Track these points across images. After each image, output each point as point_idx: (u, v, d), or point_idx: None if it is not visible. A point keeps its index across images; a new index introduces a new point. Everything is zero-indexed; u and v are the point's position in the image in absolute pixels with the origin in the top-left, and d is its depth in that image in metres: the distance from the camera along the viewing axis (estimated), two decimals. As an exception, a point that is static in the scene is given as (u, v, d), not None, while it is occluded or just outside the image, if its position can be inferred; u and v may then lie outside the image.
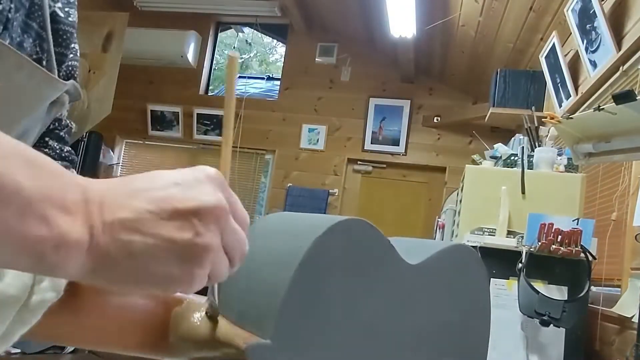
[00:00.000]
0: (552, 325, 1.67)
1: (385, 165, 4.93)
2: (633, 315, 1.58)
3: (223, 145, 0.44)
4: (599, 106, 1.17)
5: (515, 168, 2.15)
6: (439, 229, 3.09)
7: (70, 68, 0.68)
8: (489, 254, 1.88)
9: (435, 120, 4.79)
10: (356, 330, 0.52)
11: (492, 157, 2.52)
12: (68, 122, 0.73)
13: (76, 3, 0.69)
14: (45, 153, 0.67)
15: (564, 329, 1.75)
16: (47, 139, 0.69)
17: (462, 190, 2.29)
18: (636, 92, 1.08)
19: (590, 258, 1.76)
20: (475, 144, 4.42)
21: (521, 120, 2.45)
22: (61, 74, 0.66)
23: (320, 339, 0.48)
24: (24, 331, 0.48)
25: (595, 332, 1.86)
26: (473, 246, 1.90)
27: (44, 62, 0.60)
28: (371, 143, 4.93)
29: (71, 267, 0.33)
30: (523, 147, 2.18)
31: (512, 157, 2.24)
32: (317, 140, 5.05)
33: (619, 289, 1.85)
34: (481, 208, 2.06)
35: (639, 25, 1.96)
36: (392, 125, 4.90)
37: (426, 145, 4.83)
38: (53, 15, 0.64)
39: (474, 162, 2.59)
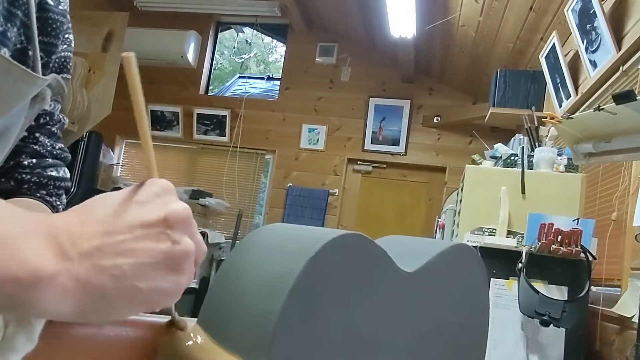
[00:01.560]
0: (552, 325, 1.67)
1: (385, 165, 4.92)
2: (633, 315, 1.58)
3: (144, 149, 0.41)
4: (599, 106, 1.17)
5: (515, 168, 2.15)
6: (439, 229, 3.09)
7: (62, 59, 0.66)
8: (489, 254, 1.88)
9: (435, 120, 4.79)
10: (357, 347, 0.51)
11: (492, 157, 2.52)
12: (61, 116, 0.71)
13: None
14: (35, 150, 0.66)
15: (564, 329, 1.75)
16: (37, 134, 0.67)
17: (462, 190, 2.29)
18: (636, 92, 1.08)
19: (590, 258, 1.76)
20: (475, 144, 4.42)
21: (521, 120, 2.45)
22: (51, 64, 0.64)
23: (318, 359, 0.47)
24: None
25: (595, 332, 1.86)
26: (473, 246, 1.91)
27: (30, 52, 0.58)
28: (371, 143, 4.93)
29: (50, 304, 0.32)
30: (523, 147, 2.18)
31: (512, 157, 2.24)
32: (317, 140, 5.05)
33: (619, 289, 1.85)
34: (481, 208, 2.06)
35: (639, 25, 1.96)
36: (392, 125, 4.90)
37: (426, 145, 4.83)
38: (41, 3, 0.62)
39: (474, 162, 2.59)
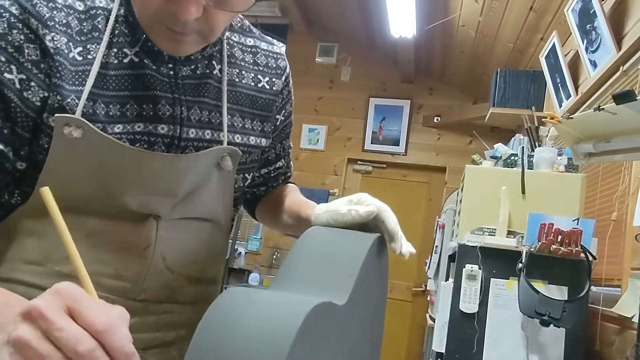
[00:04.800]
0: (552, 325, 1.67)
1: (385, 165, 4.93)
2: (633, 316, 1.58)
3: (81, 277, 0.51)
4: (599, 106, 1.17)
5: (515, 168, 2.15)
6: (439, 229, 3.09)
7: (282, 126, 0.98)
8: (489, 254, 1.88)
9: (435, 120, 4.79)
10: None
11: (492, 157, 2.52)
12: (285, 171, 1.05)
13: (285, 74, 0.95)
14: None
15: (564, 329, 1.75)
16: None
17: (462, 190, 2.29)
18: (636, 92, 1.08)
19: (590, 258, 1.76)
20: (475, 144, 4.42)
21: (521, 120, 2.45)
22: (265, 129, 0.90)
23: None
24: None
25: (595, 332, 1.86)
26: (473, 246, 1.91)
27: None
28: (371, 143, 4.93)
29: None
30: (523, 147, 2.18)
31: (512, 157, 2.24)
32: (317, 140, 5.05)
33: (619, 289, 1.85)
34: (481, 208, 2.06)
35: (639, 25, 1.96)
36: (392, 125, 4.90)
37: (426, 145, 4.83)
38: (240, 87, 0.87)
39: (474, 162, 2.59)
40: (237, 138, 0.84)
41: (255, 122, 0.88)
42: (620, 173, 1.98)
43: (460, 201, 2.26)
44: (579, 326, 1.76)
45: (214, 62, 0.82)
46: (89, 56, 0.72)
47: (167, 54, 0.75)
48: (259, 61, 0.90)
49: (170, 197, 0.77)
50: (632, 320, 1.58)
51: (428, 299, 3.60)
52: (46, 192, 0.50)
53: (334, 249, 0.62)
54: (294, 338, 0.43)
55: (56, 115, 0.69)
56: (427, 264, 3.44)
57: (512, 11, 3.14)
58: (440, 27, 3.70)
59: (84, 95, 0.71)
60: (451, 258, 2.27)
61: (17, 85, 0.68)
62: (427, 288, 3.64)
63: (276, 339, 0.43)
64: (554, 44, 2.79)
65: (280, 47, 0.95)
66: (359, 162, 4.98)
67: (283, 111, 0.95)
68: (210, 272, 0.88)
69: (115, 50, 0.73)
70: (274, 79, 0.90)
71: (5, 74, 0.67)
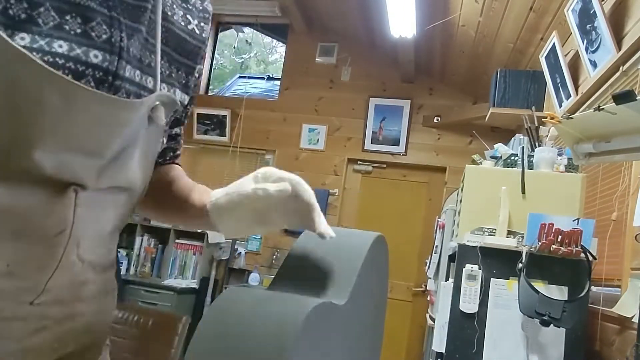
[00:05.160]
0: (552, 325, 1.67)
1: (385, 165, 4.92)
2: (633, 316, 1.58)
3: None
4: (599, 106, 1.17)
5: (515, 168, 2.15)
6: (439, 229, 3.09)
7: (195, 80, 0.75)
8: (489, 254, 1.88)
9: (435, 120, 4.79)
10: None
11: (492, 157, 2.52)
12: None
13: (210, 18, 0.76)
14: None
15: (564, 329, 1.75)
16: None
17: (462, 190, 2.29)
18: (636, 92, 1.08)
19: (590, 258, 1.76)
20: (475, 144, 4.42)
21: (521, 120, 2.45)
22: (189, 84, 0.72)
23: None
24: None
25: (595, 332, 1.86)
26: (473, 246, 1.91)
27: (163, 69, 0.65)
28: (371, 143, 4.93)
29: None
30: (523, 147, 2.18)
31: (512, 157, 2.24)
32: (317, 140, 5.05)
33: (619, 289, 1.85)
34: (481, 208, 2.06)
35: (639, 25, 1.96)
36: (392, 125, 4.90)
37: (426, 145, 4.83)
38: (176, 26, 0.69)
39: (474, 162, 2.59)
40: (164, 88, 0.67)
41: (181, 72, 0.70)
42: (620, 173, 1.98)
43: (460, 201, 2.26)
44: (579, 326, 1.76)
45: None
46: None
47: None
48: None
49: (97, 157, 0.55)
50: (632, 320, 1.58)
51: (428, 299, 3.60)
52: None
53: (334, 249, 0.61)
54: (295, 338, 0.43)
55: None
56: (427, 264, 3.44)
57: (512, 11, 3.14)
58: (440, 27, 3.70)
59: None
60: (451, 258, 2.27)
61: None
62: (427, 288, 3.64)
63: (278, 339, 0.43)
64: (554, 44, 2.79)
65: None
66: (359, 162, 4.98)
67: (199, 67, 0.75)
68: (113, 253, 0.69)
69: None
70: (202, 24, 0.74)
71: None
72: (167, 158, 0.81)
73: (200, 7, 0.74)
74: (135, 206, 0.69)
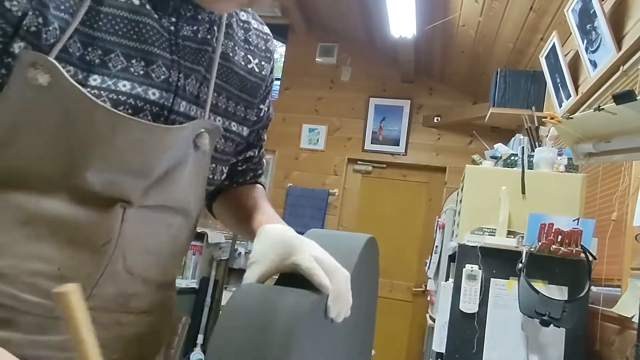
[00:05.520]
0: (552, 325, 1.67)
1: (385, 165, 4.92)
2: (633, 316, 1.58)
3: None
4: (599, 106, 1.17)
5: (515, 168, 2.15)
6: (439, 229, 3.09)
7: (262, 112, 0.85)
8: (489, 254, 1.88)
9: (435, 120, 4.79)
10: None
11: (492, 157, 2.52)
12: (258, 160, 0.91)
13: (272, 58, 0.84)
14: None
15: (564, 329, 1.75)
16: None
17: (462, 190, 2.29)
18: (636, 92, 1.08)
19: (590, 258, 1.76)
20: (475, 144, 4.42)
21: (521, 120, 2.45)
22: (248, 117, 0.80)
23: None
24: None
25: (595, 332, 1.86)
26: (473, 246, 1.91)
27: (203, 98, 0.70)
28: (371, 143, 4.93)
29: None
30: (523, 147, 2.18)
31: (512, 157, 2.24)
32: (317, 140, 5.05)
33: (619, 289, 1.85)
34: (481, 208, 2.06)
35: (639, 25, 1.96)
36: (392, 125, 4.90)
37: (426, 145, 4.83)
38: (232, 64, 0.75)
39: (474, 162, 2.59)
40: (218, 121, 0.73)
41: (239, 106, 0.77)
42: (620, 173, 1.98)
43: (460, 201, 2.26)
44: (579, 326, 1.76)
45: (214, 28, 0.70)
46: None
47: (174, 4, 0.64)
48: (250, 39, 0.79)
49: (142, 177, 0.62)
50: (632, 320, 1.58)
51: (428, 299, 3.60)
52: (63, 297, 0.38)
53: (329, 250, 0.64)
54: (301, 324, 0.51)
55: (22, 50, 0.54)
56: (427, 264, 3.44)
57: (512, 11, 3.14)
58: (440, 27, 3.70)
59: (70, 30, 0.56)
60: (451, 258, 2.27)
61: None
62: (427, 288, 3.64)
63: (287, 326, 0.51)
64: (554, 44, 2.79)
65: (267, 29, 0.85)
66: (359, 162, 4.98)
67: (267, 101, 0.85)
68: (170, 274, 0.75)
69: None
70: (263, 62, 0.80)
71: None
72: (248, 178, 0.90)
73: (263, 47, 0.81)
74: (193, 232, 0.76)
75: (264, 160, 0.93)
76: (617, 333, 1.72)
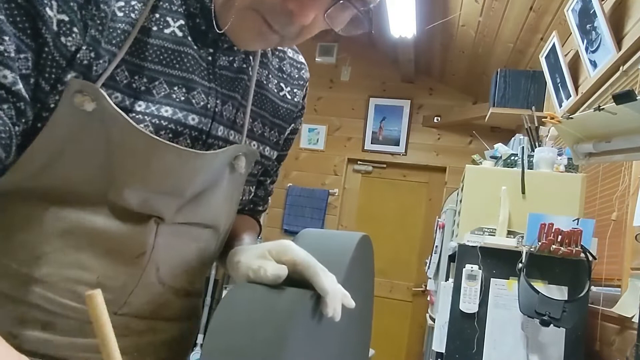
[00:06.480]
0: (552, 325, 1.67)
1: (385, 165, 4.92)
2: (633, 315, 1.58)
3: None
4: (599, 106, 1.17)
5: (515, 168, 2.15)
6: (439, 229, 3.09)
7: (286, 141, 0.88)
8: (489, 254, 1.88)
9: (435, 120, 4.79)
10: None
11: (492, 157, 2.52)
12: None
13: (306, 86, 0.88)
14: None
15: (564, 329, 1.75)
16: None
17: (462, 190, 2.29)
18: (636, 92, 1.08)
19: (590, 258, 1.76)
20: (475, 144, 4.42)
21: (521, 120, 2.45)
22: (280, 141, 0.84)
23: None
24: None
25: (595, 332, 1.86)
26: (473, 246, 1.91)
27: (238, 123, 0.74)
28: (371, 143, 4.93)
29: None
30: (523, 147, 2.18)
31: (512, 157, 2.24)
32: (317, 140, 5.05)
33: (619, 289, 1.85)
34: (481, 208, 2.06)
35: (639, 25, 1.96)
36: (392, 125, 4.90)
37: (426, 145, 4.83)
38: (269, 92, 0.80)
39: (474, 162, 2.59)
40: (254, 145, 0.77)
41: (273, 131, 0.81)
42: (620, 173, 1.98)
43: (460, 201, 2.26)
44: (579, 326, 1.76)
45: (250, 57, 0.75)
46: (132, 15, 0.61)
47: (212, 37, 0.68)
48: (284, 68, 0.84)
49: (176, 197, 0.67)
50: (632, 320, 1.58)
51: (428, 299, 3.60)
52: (92, 300, 0.41)
53: (322, 249, 0.65)
54: (291, 323, 0.52)
55: (70, 78, 0.57)
56: (427, 264, 3.44)
57: (512, 11, 3.14)
58: (440, 27, 3.70)
59: (116, 60, 0.60)
60: (451, 258, 2.27)
61: (55, 27, 0.55)
62: (427, 288, 3.64)
63: (277, 325, 0.52)
64: (554, 44, 2.79)
65: (302, 57, 0.90)
66: (359, 162, 4.98)
67: (293, 125, 0.87)
68: (198, 284, 0.79)
69: (157, 15, 0.64)
70: (295, 90, 0.85)
71: (47, 9, 0.54)
72: (246, 208, 0.91)
73: (296, 76, 0.86)
74: (222, 244, 0.80)
75: (269, 198, 0.95)
76: (617, 333, 1.72)
